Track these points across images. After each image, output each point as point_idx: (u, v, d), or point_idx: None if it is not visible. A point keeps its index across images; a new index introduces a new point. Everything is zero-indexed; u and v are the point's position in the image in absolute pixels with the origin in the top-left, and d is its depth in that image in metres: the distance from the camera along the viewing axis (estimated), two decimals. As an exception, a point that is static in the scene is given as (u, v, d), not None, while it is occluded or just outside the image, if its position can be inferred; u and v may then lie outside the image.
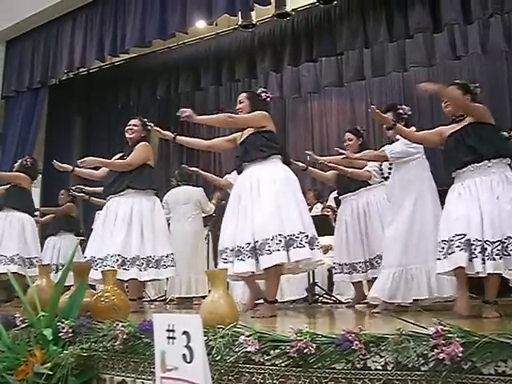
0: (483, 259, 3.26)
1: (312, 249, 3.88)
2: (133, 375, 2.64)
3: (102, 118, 9.61)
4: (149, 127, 5.05)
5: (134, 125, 5.06)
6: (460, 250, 3.33)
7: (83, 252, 5.11)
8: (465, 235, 3.35)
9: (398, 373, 1.94)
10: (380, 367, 1.98)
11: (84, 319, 3.02)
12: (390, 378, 1.95)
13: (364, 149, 5.13)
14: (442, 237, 3.52)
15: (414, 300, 4.17)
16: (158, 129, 4.66)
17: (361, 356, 2.00)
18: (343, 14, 7.11)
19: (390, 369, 1.96)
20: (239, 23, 7.71)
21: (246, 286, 4.46)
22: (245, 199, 4.01)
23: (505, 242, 3.26)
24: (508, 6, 6.01)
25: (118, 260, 4.57)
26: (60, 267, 6.80)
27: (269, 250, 3.75)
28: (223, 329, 2.34)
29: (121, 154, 5.08)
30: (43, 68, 7.98)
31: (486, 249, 3.26)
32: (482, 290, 4.56)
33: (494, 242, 3.27)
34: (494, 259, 3.24)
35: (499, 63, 7.67)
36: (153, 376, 2.46)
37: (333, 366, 2.05)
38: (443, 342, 1.85)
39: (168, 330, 1.63)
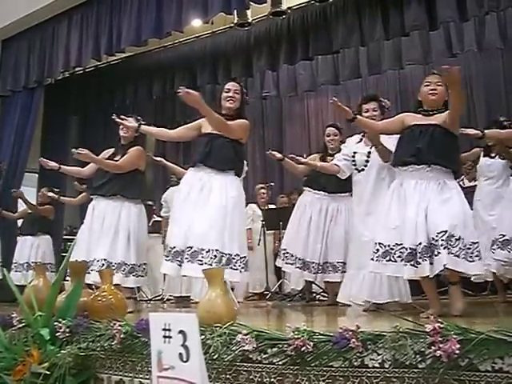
0: (418, 262, 3.30)
1: (244, 270, 3.95)
2: (130, 374, 2.64)
3: (98, 117, 9.58)
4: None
5: (127, 126, 4.84)
6: (402, 261, 3.38)
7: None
8: (405, 247, 3.38)
9: (396, 370, 1.94)
10: (377, 365, 1.98)
11: (81, 319, 3.02)
12: (387, 375, 1.96)
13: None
14: (381, 239, 3.53)
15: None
16: (121, 121, 4.57)
17: (358, 354, 2.01)
18: (339, 12, 7.10)
19: (387, 366, 1.96)
20: (235, 22, 7.70)
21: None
22: (191, 203, 4.02)
23: (437, 240, 3.27)
24: (504, 4, 6.02)
25: (103, 265, 4.55)
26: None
27: (201, 261, 3.79)
28: (220, 327, 2.34)
29: (111, 152, 4.99)
30: (39, 67, 7.95)
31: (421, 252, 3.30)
32: (476, 286, 4.61)
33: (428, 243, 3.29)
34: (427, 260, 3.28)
35: (495, 61, 7.68)
36: (150, 375, 2.46)
37: (330, 363, 2.06)
38: (440, 339, 1.86)
39: (164, 329, 1.63)
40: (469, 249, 3.30)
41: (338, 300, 4.61)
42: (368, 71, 7.97)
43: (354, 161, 4.50)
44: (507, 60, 7.52)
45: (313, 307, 5.16)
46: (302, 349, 2.07)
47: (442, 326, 1.88)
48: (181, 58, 8.68)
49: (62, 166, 5.26)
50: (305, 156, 5.37)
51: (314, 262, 5.06)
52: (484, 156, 5.08)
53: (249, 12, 7.45)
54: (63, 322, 2.95)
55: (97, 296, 3.23)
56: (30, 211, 7.43)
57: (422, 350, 1.90)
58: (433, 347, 1.86)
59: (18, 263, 7.17)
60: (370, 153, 4.40)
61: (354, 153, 4.51)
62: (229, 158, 4.09)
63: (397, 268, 3.41)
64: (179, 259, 3.91)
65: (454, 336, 1.84)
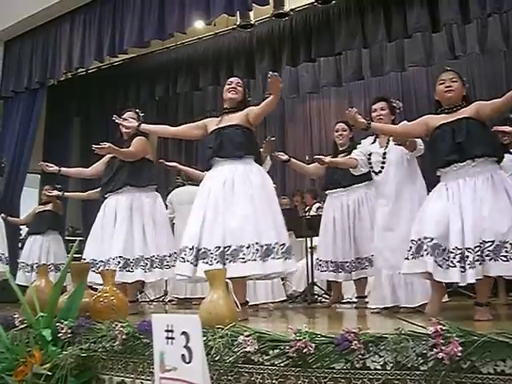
0: (463, 267, 3.11)
1: (286, 259, 3.67)
2: (132, 375, 2.64)
3: (101, 118, 9.60)
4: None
5: (131, 117, 4.78)
6: (427, 255, 3.20)
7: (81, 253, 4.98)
8: (433, 239, 3.22)
9: (397, 372, 1.95)
10: (379, 367, 1.98)
11: (83, 320, 3.02)
12: (389, 377, 1.96)
13: (353, 143, 5.00)
14: (413, 236, 3.38)
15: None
16: (121, 122, 4.52)
17: (360, 356, 2.01)
18: (341, 14, 7.10)
19: (389, 368, 1.96)
20: (237, 23, 7.70)
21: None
22: (215, 198, 3.75)
23: (481, 247, 3.09)
24: (506, 6, 6.00)
25: (119, 262, 4.36)
26: (52, 267, 6.72)
27: (243, 258, 3.52)
28: (222, 329, 2.34)
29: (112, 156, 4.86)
30: (42, 68, 7.97)
31: (467, 257, 3.10)
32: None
33: (474, 248, 3.10)
34: (475, 266, 3.07)
35: (497, 63, 7.68)
36: (152, 376, 2.47)
37: (332, 365, 2.06)
38: (442, 341, 1.86)
39: (167, 331, 1.63)
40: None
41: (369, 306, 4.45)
42: (370, 73, 7.97)
43: (370, 162, 4.44)
44: (510, 62, 7.53)
45: (314, 309, 5.15)
46: (304, 350, 2.07)
47: (444, 328, 1.88)
48: (183, 59, 8.69)
49: (62, 169, 5.17)
50: (307, 158, 5.37)
51: (346, 261, 4.94)
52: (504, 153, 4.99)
53: (251, 13, 7.45)
54: (65, 322, 2.96)
55: (99, 297, 3.24)
56: (37, 211, 7.40)
57: (424, 352, 1.91)
58: (435, 349, 1.86)
59: (25, 263, 7.08)
60: (385, 153, 4.34)
61: (370, 154, 4.45)
62: (241, 142, 3.86)
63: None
64: (206, 260, 3.60)
65: (456, 338, 1.84)
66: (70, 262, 3.34)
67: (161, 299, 7.08)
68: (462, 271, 3.11)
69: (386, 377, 1.96)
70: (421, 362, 1.91)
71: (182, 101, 9.52)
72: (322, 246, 5.14)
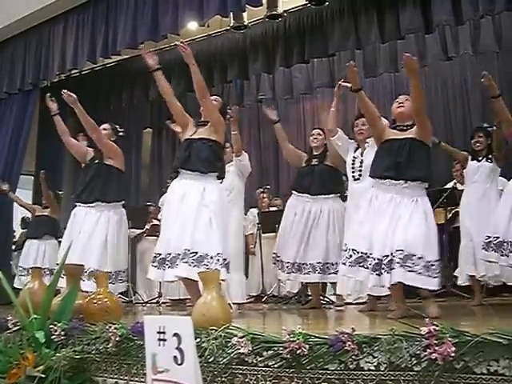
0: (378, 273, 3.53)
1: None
2: (126, 377, 2.63)
3: (94, 119, 9.52)
4: (120, 133, 5.29)
5: (104, 129, 5.17)
6: (369, 269, 3.59)
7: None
8: (371, 254, 3.60)
9: (391, 373, 1.95)
10: (373, 368, 1.99)
11: (76, 322, 3.02)
12: (382, 378, 1.96)
13: (326, 148, 5.25)
14: (354, 246, 3.74)
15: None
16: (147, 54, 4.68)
17: (354, 356, 2.01)
18: (335, 15, 7.10)
19: (382, 369, 1.97)
20: (231, 24, 7.69)
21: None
22: (173, 209, 4.14)
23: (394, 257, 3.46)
24: (499, 7, 6.02)
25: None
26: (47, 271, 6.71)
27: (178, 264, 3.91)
28: (216, 330, 2.33)
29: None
30: (35, 70, 7.92)
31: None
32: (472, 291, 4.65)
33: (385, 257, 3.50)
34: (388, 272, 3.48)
35: (490, 64, 7.68)
36: (145, 378, 2.46)
37: (326, 366, 2.06)
38: (436, 341, 1.86)
39: (159, 332, 1.63)
40: (431, 265, 3.46)
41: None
42: (364, 74, 7.96)
43: (353, 166, 4.76)
44: (503, 63, 7.53)
45: (308, 310, 5.15)
46: (298, 352, 2.07)
47: (437, 328, 1.88)
48: (176, 60, 8.61)
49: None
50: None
51: (288, 262, 5.07)
52: (472, 160, 5.17)
53: (245, 15, 7.44)
54: (58, 324, 2.95)
55: (92, 299, 3.24)
56: (36, 214, 7.44)
57: (418, 352, 1.91)
58: (428, 350, 1.87)
59: (22, 267, 7.13)
60: (362, 162, 4.66)
61: (354, 158, 4.76)
62: (207, 157, 4.17)
63: (367, 275, 3.60)
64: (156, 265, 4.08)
65: (450, 339, 1.85)
66: (62, 264, 3.33)
67: (154, 301, 7.08)
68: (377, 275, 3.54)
69: (379, 378, 1.96)
70: (414, 362, 1.92)
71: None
72: (281, 243, 5.23)
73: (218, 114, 4.34)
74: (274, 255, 5.27)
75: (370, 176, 3.93)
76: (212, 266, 3.82)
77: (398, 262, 3.42)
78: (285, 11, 7.36)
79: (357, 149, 4.82)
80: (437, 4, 6.34)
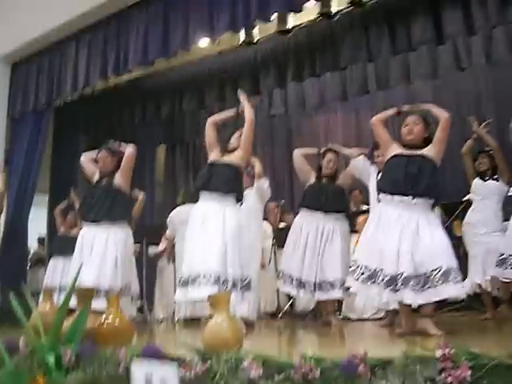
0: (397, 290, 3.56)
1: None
2: (136, 401, 2.59)
3: (108, 136, 9.57)
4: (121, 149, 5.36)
5: (104, 158, 5.28)
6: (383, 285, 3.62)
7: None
8: (382, 269, 3.63)
9: (405, 397, 1.89)
10: (386, 392, 1.92)
11: (87, 344, 2.98)
12: (396, 402, 1.90)
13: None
14: (362, 261, 3.78)
15: None
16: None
17: (366, 380, 1.95)
18: (346, 29, 7.07)
19: (396, 393, 1.90)
20: (241, 40, 7.70)
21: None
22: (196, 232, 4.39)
23: (430, 276, 3.52)
24: (511, 17, 5.97)
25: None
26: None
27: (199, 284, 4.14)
28: (227, 353, 2.29)
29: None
30: (48, 90, 7.98)
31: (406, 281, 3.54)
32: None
33: (416, 276, 3.52)
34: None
35: (505, 74, 7.62)
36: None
37: (338, 390, 2.00)
38: (451, 365, 1.80)
39: (146, 378, 1.60)
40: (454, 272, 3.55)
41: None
42: (376, 87, 7.92)
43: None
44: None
45: (323, 327, 5.08)
46: (309, 376, 2.02)
47: (452, 351, 1.82)
48: (188, 77, 8.69)
49: None
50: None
51: (309, 281, 5.02)
52: (479, 179, 5.21)
53: (255, 30, 7.45)
54: (69, 347, 2.91)
55: (103, 321, 3.20)
56: (61, 233, 7.49)
57: (433, 376, 1.85)
58: (443, 373, 1.80)
59: (48, 286, 7.10)
60: None
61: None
62: (229, 178, 4.41)
63: (379, 291, 3.63)
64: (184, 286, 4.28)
65: (465, 362, 1.78)
66: (73, 285, 3.30)
67: (170, 319, 7.04)
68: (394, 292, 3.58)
69: (393, 402, 1.90)
70: (429, 386, 1.86)
71: (189, 119, 9.51)
72: (290, 260, 5.19)
73: (251, 147, 4.64)
74: (282, 273, 5.23)
75: (378, 190, 3.91)
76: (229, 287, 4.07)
77: (439, 280, 3.48)
78: (295, 26, 7.36)
79: (379, 172, 4.83)
80: (448, 15, 6.30)
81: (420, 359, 1.88)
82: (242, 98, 4.71)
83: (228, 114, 4.86)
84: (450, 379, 1.77)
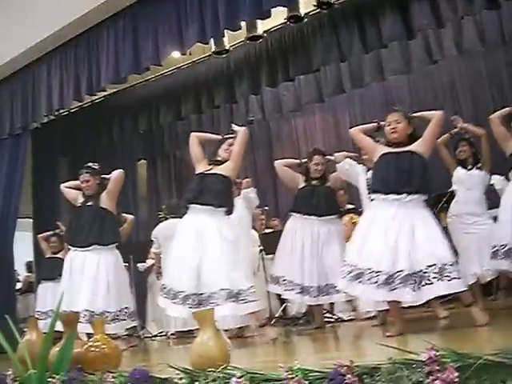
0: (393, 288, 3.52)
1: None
2: (126, 427, 2.55)
3: (87, 156, 9.51)
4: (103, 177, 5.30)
5: (86, 180, 5.19)
6: (375, 284, 3.57)
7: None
8: (375, 269, 3.58)
9: (395, 403, 1.87)
10: (376, 399, 1.90)
11: (75, 372, 2.94)
12: (386, 409, 1.88)
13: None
14: (351, 260, 3.75)
15: None
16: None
17: (355, 389, 1.93)
18: (316, 30, 7.08)
19: (386, 400, 1.88)
20: (212, 50, 7.68)
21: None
22: (190, 245, 4.25)
23: (426, 272, 3.48)
24: (477, 7, 6.00)
25: (85, 315, 4.69)
26: None
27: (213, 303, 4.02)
28: (214, 372, 2.26)
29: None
30: (23, 113, 7.89)
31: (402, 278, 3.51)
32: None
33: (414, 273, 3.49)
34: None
35: (477, 63, 7.66)
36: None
37: (327, 401, 1.98)
38: (437, 367, 1.78)
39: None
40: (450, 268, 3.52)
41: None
42: (351, 86, 7.93)
43: (369, 187, 4.57)
44: (489, 62, 7.50)
45: (316, 331, 5.06)
46: (298, 389, 1.99)
47: (437, 353, 1.80)
48: (163, 90, 8.65)
49: None
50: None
51: (312, 286, 4.98)
52: (461, 168, 5.17)
53: (226, 39, 7.42)
54: (57, 377, 2.87)
55: (90, 346, 3.16)
56: (48, 256, 7.40)
57: (420, 379, 1.82)
58: (431, 377, 1.78)
59: (40, 312, 6.99)
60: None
61: (368, 180, 4.67)
62: (219, 191, 4.31)
63: (366, 290, 3.60)
64: (190, 303, 4.11)
65: (452, 363, 1.77)
66: (57, 311, 3.25)
67: (164, 334, 6.99)
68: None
69: (383, 408, 1.88)
70: (418, 390, 1.83)
71: (167, 131, 9.48)
72: (290, 266, 5.12)
73: (242, 159, 4.57)
74: (282, 278, 5.18)
75: (371, 190, 3.88)
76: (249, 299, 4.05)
77: (434, 277, 3.45)
78: (265, 31, 7.35)
79: (368, 170, 4.73)
80: (415, 9, 6.32)
81: (406, 364, 1.86)
82: (236, 129, 4.63)
83: (214, 138, 4.76)
84: (437, 382, 1.75)
